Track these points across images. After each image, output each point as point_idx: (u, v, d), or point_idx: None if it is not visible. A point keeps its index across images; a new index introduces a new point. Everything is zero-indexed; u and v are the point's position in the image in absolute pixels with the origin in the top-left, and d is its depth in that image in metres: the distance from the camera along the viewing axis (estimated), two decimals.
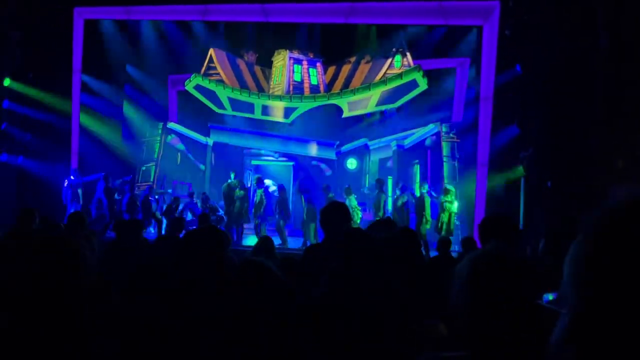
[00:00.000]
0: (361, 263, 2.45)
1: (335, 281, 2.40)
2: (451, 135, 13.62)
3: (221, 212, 12.37)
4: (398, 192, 11.77)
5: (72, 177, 12.49)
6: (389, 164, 14.53)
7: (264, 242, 5.23)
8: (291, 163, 15.24)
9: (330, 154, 15.11)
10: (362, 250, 2.47)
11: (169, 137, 15.15)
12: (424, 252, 8.24)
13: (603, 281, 0.63)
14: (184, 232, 6.78)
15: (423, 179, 13.22)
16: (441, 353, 1.26)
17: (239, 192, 12.12)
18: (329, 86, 14.93)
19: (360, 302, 2.37)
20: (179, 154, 15.32)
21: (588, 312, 0.65)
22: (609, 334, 0.62)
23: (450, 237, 9.32)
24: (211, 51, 14.82)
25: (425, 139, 13.98)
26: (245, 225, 12.34)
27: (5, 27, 12.68)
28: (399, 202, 11.59)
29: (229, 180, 12.50)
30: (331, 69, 15.03)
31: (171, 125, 15.27)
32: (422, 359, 1.26)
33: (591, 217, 0.68)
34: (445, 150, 13.53)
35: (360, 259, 2.45)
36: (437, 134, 13.72)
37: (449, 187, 11.69)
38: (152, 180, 14.60)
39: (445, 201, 11.28)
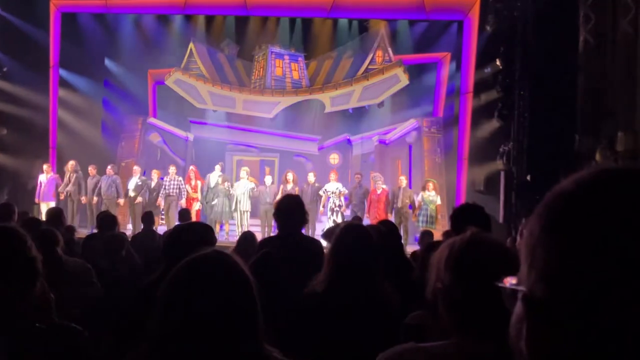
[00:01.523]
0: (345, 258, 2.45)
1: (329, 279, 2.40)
2: (432, 130, 13.69)
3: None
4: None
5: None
6: (371, 159, 14.57)
7: (246, 237, 5.21)
8: (274, 158, 15.19)
9: (313, 149, 15.10)
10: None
11: (149, 133, 14.98)
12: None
13: (555, 259, 0.61)
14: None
15: (404, 173, 13.26)
16: (424, 343, 1.25)
17: (222, 187, 12.07)
18: (311, 81, 14.91)
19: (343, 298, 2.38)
20: (158, 149, 15.16)
21: (540, 293, 0.62)
22: (563, 316, 0.60)
23: (433, 229, 9.37)
24: (191, 45, 14.67)
25: (407, 134, 14.03)
26: (230, 221, 12.32)
27: None
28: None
29: (219, 174, 12.39)
30: (313, 64, 15.00)
31: (151, 120, 15.10)
32: (406, 348, 1.24)
33: (547, 195, 0.66)
34: (427, 145, 13.60)
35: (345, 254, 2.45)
36: (419, 129, 13.78)
37: (430, 180, 11.75)
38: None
39: (427, 195, 11.32)
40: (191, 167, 12.90)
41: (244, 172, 12.37)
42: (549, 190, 0.67)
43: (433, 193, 11.36)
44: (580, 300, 0.58)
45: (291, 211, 3.42)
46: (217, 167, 12.59)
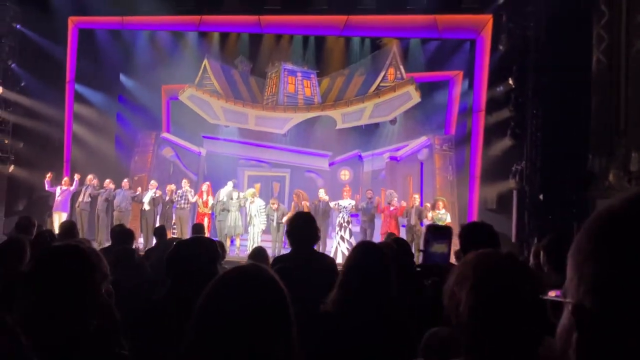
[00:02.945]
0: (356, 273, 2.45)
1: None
2: (444, 147, 13.68)
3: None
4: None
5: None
6: (382, 175, 14.57)
7: (258, 252, 5.22)
8: (285, 174, 15.24)
9: (324, 165, 15.13)
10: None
11: (163, 147, 15.11)
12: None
13: (605, 273, 0.65)
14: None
15: (416, 191, 13.24)
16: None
17: (235, 203, 12.13)
18: (323, 98, 14.99)
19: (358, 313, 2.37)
20: (171, 164, 15.28)
21: (589, 305, 0.66)
22: (612, 326, 0.63)
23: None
24: (205, 61, 14.84)
25: (418, 151, 14.03)
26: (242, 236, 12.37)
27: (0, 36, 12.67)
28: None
29: (231, 189, 12.46)
30: (325, 81, 15.09)
31: (164, 134, 15.25)
32: None
33: (595, 212, 0.70)
34: (438, 162, 13.58)
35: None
36: (430, 147, 13.78)
37: (439, 198, 11.72)
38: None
39: (437, 213, 11.28)
40: (207, 183, 12.97)
41: (250, 192, 12.41)
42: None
43: (443, 211, 11.35)
44: (629, 311, 0.62)
45: (303, 228, 3.43)
46: (230, 184, 12.65)
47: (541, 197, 10.93)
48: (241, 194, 12.41)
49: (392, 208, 11.63)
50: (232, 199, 12.19)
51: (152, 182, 12.87)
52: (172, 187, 12.64)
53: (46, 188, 12.39)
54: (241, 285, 1.39)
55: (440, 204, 11.43)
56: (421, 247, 2.01)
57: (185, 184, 12.53)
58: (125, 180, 12.61)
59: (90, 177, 12.49)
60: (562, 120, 10.52)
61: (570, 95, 10.44)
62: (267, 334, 1.33)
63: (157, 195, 12.28)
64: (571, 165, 10.30)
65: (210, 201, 12.44)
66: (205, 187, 12.66)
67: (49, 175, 12.38)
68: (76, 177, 12.41)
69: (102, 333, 1.81)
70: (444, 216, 11.27)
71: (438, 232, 1.87)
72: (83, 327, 1.65)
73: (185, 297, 2.30)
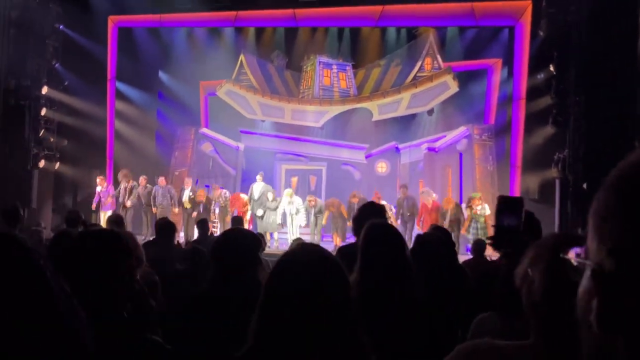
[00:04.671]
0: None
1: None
2: (484, 137, 13.46)
3: None
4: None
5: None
6: (420, 167, 14.44)
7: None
8: (322, 167, 15.27)
9: (360, 157, 15.09)
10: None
11: (202, 143, 15.34)
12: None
13: (627, 233, 0.60)
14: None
15: (455, 182, 13.09)
16: (500, 341, 1.23)
17: (272, 204, 12.23)
18: (359, 89, 14.93)
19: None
20: (210, 158, 15.49)
21: (610, 268, 0.61)
22: (634, 291, 0.59)
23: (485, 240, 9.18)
24: (242, 57, 14.98)
25: (457, 141, 13.84)
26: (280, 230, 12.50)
27: (44, 37, 13.01)
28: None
29: (261, 184, 12.57)
30: (361, 73, 15.04)
31: (203, 130, 15.47)
32: (481, 343, 1.23)
33: (617, 169, 0.65)
34: (478, 152, 13.37)
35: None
36: (469, 137, 13.58)
37: (474, 196, 11.45)
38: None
39: (475, 210, 11.06)
40: (242, 195, 13.08)
41: (288, 192, 12.52)
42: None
43: (480, 207, 11.07)
44: None
45: (369, 218, 3.42)
46: (258, 177, 12.77)
47: (585, 185, 10.65)
48: (277, 198, 12.47)
49: (429, 206, 11.51)
50: (268, 199, 12.28)
51: (187, 179, 13.10)
52: (206, 192, 12.88)
53: (97, 190, 12.67)
54: (308, 262, 1.45)
55: (476, 201, 11.16)
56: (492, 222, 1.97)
57: (223, 192, 12.78)
58: (162, 178, 12.83)
59: (124, 172, 12.75)
60: (606, 106, 10.20)
61: (613, 81, 10.11)
62: (330, 309, 1.36)
63: (193, 193, 12.49)
64: (615, 152, 9.98)
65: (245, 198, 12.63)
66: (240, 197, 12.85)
67: (100, 179, 12.70)
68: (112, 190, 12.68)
69: (136, 318, 1.85)
70: (482, 211, 11.06)
71: (509, 203, 1.80)
72: (116, 311, 1.69)
73: (229, 283, 2.34)
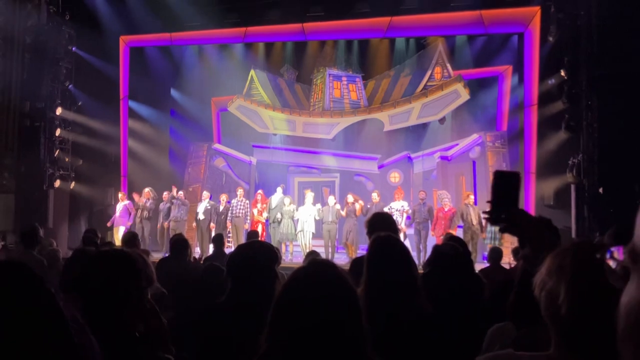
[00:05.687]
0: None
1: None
2: (497, 144, 13.39)
3: None
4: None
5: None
6: (433, 176, 14.38)
7: (312, 256, 5.24)
8: (334, 178, 15.27)
9: (373, 168, 15.07)
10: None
11: (215, 158, 15.44)
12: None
13: None
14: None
15: (469, 190, 13.01)
16: (522, 352, 1.21)
17: (288, 209, 12.24)
18: (369, 100, 14.96)
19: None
20: (223, 173, 15.57)
21: None
22: None
23: (500, 246, 9.10)
24: (252, 72, 15.09)
25: (470, 149, 13.79)
26: (294, 242, 12.46)
27: (57, 59, 13.23)
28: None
29: (281, 195, 12.59)
30: (371, 84, 15.06)
31: (216, 145, 15.58)
32: (503, 354, 1.22)
33: None
34: (492, 159, 13.30)
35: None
36: (482, 144, 13.51)
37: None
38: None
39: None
40: (259, 191, 13.16)
41: (309, 196, 12.53)
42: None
43: None
44: None
45: (384, 227, 3.41)
46: (279, 189, 12.79)
47: (601, 190, 10.54)
48: (293, 205, 12.52)
49: (446, 209, 11.48)
50: (285, 205, 12.30)
51: (205, 192, 13.16)
52: (226, 195, 12.87)
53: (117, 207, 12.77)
54: (317, 276, 1.45)
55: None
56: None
57: (240, 194, 12.74)
58: (181, 192, 12.90)
59: (146, 190, 12.84)
60: (618, 109, 10.12)
61: (625, 84, 10.03)
62: (338, 320, 1.36)
63: (210, 205, 12.53)
64: (630, 156, 9.88)
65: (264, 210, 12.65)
66: (259, 196, 12.86)
67: (121, 195, 12.82)
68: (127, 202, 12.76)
69: (148, 338, 1.85)
70: None
71: (505, 177, 1.76)
72: (128, 331, 1.69)
73: (246, 298, 2.34)
